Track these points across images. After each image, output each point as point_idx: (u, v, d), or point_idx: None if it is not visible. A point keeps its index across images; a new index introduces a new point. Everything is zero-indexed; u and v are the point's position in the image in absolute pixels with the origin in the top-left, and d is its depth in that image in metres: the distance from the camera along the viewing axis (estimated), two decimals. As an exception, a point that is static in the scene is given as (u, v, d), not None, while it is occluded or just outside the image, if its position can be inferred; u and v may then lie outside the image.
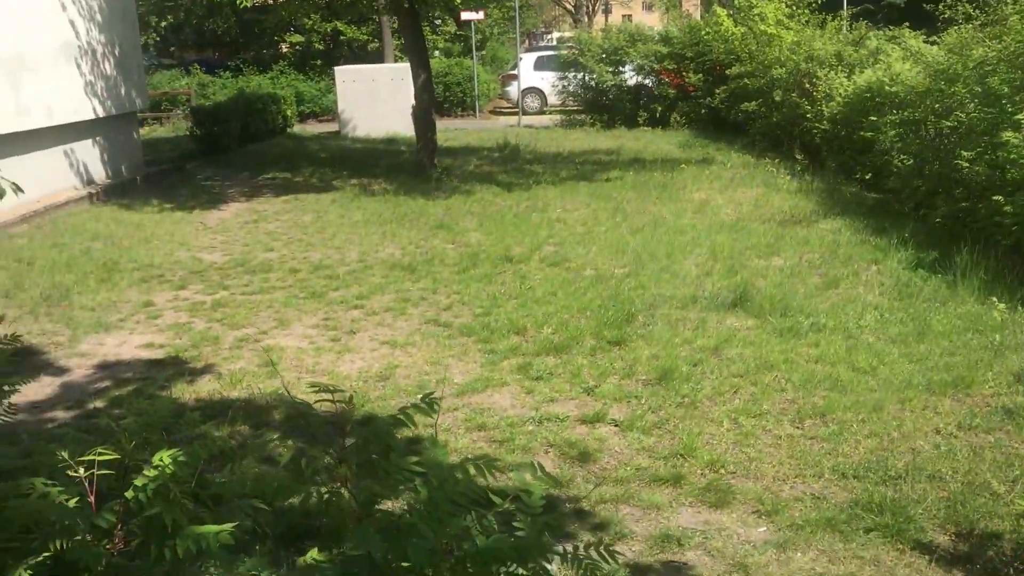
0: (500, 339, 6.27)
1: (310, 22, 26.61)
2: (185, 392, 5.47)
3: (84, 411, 5.19)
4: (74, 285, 7.85)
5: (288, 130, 20.97)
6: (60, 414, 5.17)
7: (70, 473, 2.10)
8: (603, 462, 4.50)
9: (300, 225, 10.58)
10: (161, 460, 2.09)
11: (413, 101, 14.10)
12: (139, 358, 6.15)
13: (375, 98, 19.48)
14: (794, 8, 17.06)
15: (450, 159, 15.15)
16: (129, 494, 2.03)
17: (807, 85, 13.78)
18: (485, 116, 25.18)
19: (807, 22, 17.00)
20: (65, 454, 2.06)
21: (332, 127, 21.98)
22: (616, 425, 4.89)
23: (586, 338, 6.20)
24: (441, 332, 6.50)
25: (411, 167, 14.26)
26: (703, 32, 19.58)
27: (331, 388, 1.86)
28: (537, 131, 20.18)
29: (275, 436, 4.81)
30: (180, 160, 16.26)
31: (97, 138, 13.37)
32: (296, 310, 7.12)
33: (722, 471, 4.35)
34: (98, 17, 13.23)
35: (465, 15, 22.40)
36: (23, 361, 5.69)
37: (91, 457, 2.13)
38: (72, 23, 12.57)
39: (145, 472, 2.06)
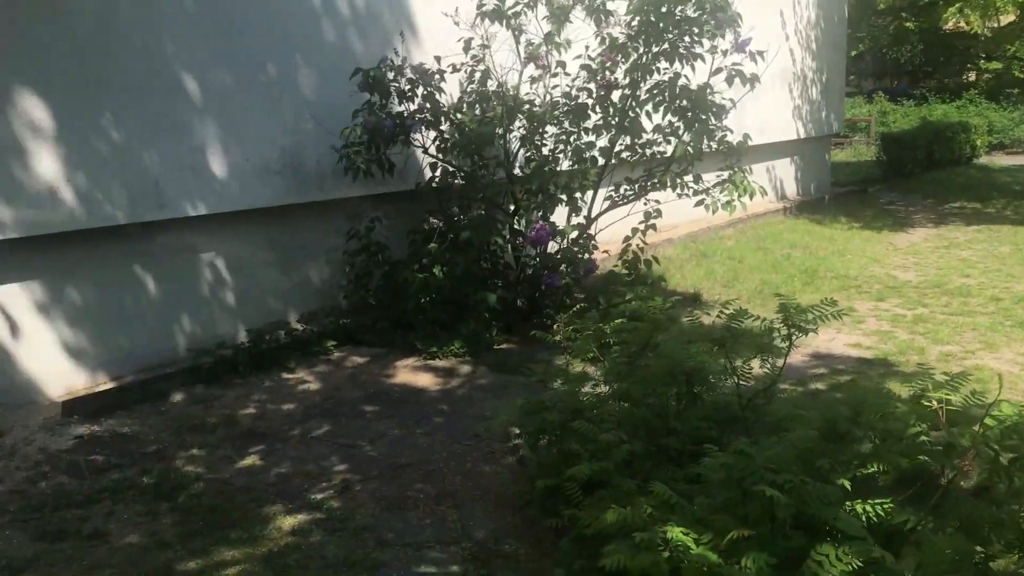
0: None
1: (1012, 48, 24.93)
2: (901, 391, 5.83)
3: (807, 389, 5.91)
4: (781, 284, 8.82)
5: (974, 160, 20.03)
6: (786, 386, 5.96)
7: (923, 403, 2.62)
8: None
9: (996, 255, 10.20)
10: (1000, 411, 2.49)
11: None
12: (848, 355, 6.73)
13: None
14: None
15: None
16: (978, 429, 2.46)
17: None
18: None
19: None
20: (929, 385, 2.58)
21: (1022, 160, 20.36)
22: None
23: None
24: None
25: None
26: None
27: None
28: None
29: None
30: (862, 183, 16.78)
31: (795, 157, 14.54)
32: (1004, 336, 7.00)
33: None
34: (813, 46, 14.35)
35: None
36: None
37: (939, 395, 2.62)
38: (791, 52, 13.85)
39: (991, 415, 2.47)
